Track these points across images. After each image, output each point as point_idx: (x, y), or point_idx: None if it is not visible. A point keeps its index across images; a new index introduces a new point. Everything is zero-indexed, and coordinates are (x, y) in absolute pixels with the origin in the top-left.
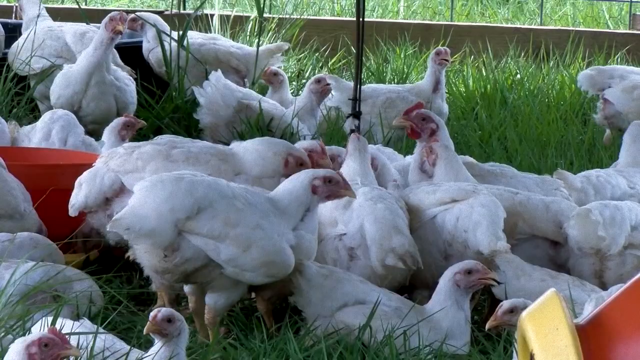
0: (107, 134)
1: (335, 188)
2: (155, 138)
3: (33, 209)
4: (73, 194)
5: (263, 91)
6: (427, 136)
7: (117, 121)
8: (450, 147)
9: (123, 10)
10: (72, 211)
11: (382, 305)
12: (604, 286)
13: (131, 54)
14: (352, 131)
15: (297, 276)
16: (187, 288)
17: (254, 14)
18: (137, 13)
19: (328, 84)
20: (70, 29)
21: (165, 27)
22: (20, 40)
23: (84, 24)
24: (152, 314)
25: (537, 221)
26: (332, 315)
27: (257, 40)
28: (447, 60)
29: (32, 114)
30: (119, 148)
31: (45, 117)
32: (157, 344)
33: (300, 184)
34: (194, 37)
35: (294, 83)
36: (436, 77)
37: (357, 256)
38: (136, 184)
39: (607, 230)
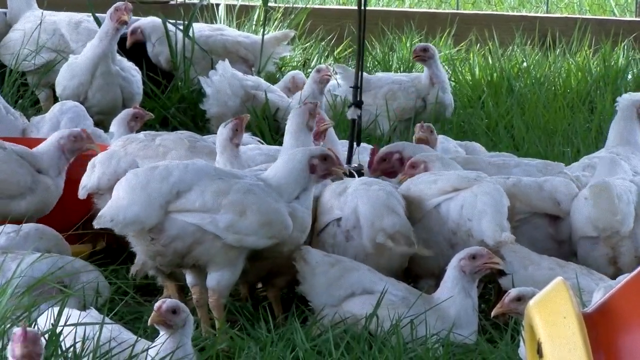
0: (116, 125)
1: (329, 165)
2: (176, 132)
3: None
4: (85, 175)
5: (269, 80)
6: (400, 166)
7: (126, 112)
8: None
9: (128, 0)
10: (82, 193)
11: (389, 294)
12: (620, 272)
13: (136, 45)
14: (353, 120)
15: (301, 263)
16: (189, 279)
17: (259, 3)
18: (138, 23)
19: (328, 73)
20: (64, 19)
21: (158, 30)
22: (13, 35)
23: (81, 13)
24: (156, 305)
25: (533, 199)
26: (339, 304)
27: (262, 29)
28: (420, 57)
29: (38, 104)
30: (139, 134)
31: (55, 108)
32: (163, 335)
33: (299, 164)
34: (201, 29)
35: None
36: (428, 73)
37: (352, 237)
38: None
39: (621, 207)
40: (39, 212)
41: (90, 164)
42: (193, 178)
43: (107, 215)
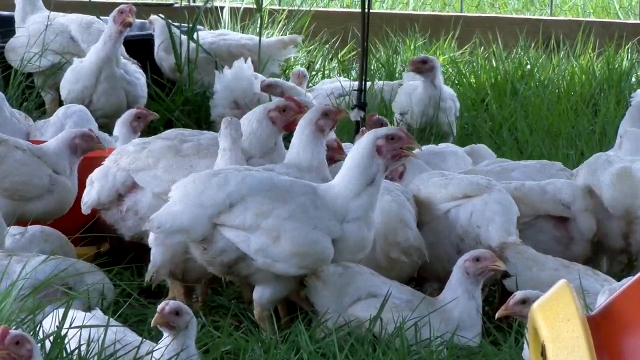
0: (119, 126)
1: (398, 144)
2: (164, 133)
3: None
4: (85, 191)
5: None
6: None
7: (129, 113)
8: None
9: (132, 3)
10: (85, 209)
11: (393, 297)
12: (629, 248)
13: (141, 47)
14: (357, 123)
15: (312, 278)
16: (246, 294)
17: (265, 5)
18: (153, 17)
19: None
20: (75, 20)
21: (164, 34)
22: (19, 35)
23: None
24: (159, 306)
25: (536, 201)
26: (345, 310)
27: (259, 33)
28: (418, 69)
29: (42, 107)
30: (128, 145)
31: (59, 112)
32: (167, 337)
33: (364, 148)
34: (204, 36)
35: None
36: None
37: None
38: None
39: None
40: (57, 213)
41: (88, 180)
42: (247, 191)
43: (156, 220)
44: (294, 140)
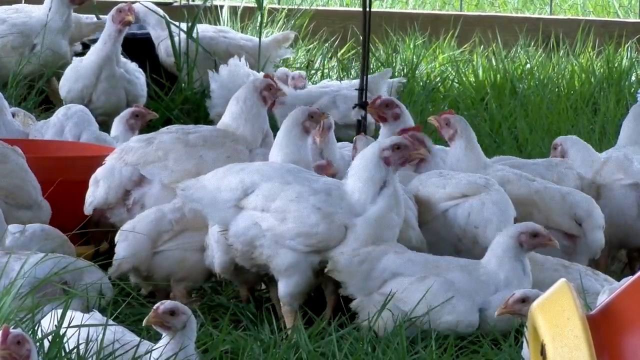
0: (116, 124)
1: (406, 152)
2: (164, 128)
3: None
4: (89, 191)
5: None
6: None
7: (127, 111)
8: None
9: (130, 2)
10: (89, 209)
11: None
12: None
13: (140, 46)
14: (359, 121)
15: (334, 274)
16: None
17: (264, 4)
18: (143, 2)
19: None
20: (82, 15)
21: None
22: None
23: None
24: (155, 305)
25: (553, 213)
26: (374, 292)
27: (259, 32)
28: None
29: (42, 106)
30: (130, 142)
31: (59, 112)
32: (165, 336)
33: (370, 161)
34: (204, 30)
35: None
36: None
37: None
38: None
39: None
40: None
41: (92, 180)
42: (261, 179)
43: (183, 185)
44: (278, 140)
